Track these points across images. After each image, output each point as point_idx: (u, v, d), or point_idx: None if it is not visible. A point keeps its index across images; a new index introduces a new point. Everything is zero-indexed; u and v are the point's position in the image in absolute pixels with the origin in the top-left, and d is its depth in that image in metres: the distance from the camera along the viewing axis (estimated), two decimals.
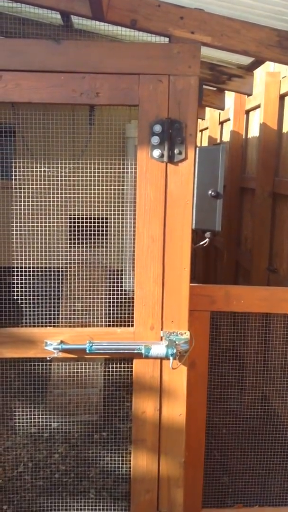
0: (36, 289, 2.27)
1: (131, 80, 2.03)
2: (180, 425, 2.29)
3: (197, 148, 2.09)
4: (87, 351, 2.15)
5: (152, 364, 2.24)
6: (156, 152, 2.07)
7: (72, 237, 2.66)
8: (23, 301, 2.26)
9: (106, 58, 2.01)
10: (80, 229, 2.56)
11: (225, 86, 4.28)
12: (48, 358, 2.18)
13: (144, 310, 2.19)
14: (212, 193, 2.11)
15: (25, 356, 2.22)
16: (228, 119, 5.35)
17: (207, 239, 2.17)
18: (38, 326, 2.24)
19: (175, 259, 2.16)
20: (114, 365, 2.30)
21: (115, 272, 2.75)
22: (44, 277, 2.42)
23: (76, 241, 2.64)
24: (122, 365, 2.28)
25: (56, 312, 2.38)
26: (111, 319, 2.31)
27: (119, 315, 2.26)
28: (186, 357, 2.22)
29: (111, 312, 2.33)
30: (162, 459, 2.31)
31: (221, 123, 6.09)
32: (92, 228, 2.51)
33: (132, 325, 2.21)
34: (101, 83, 2.03)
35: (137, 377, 2.25)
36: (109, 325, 2.27)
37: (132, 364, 2.25)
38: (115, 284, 2.66)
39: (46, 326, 2.25)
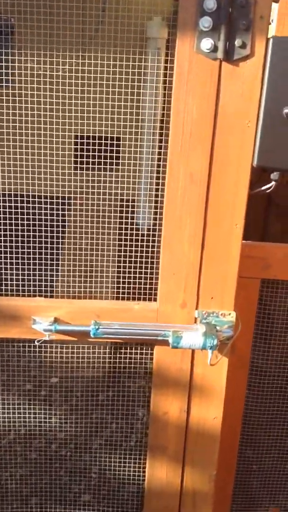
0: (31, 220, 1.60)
1: None
2: (214, 431, 1.71)
3: (271, 39, 1.34)
4: (91, 335, 1.53)
5: (180, 352, 1.62)
6: (206, 43, 1.32)
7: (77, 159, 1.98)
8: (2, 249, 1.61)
9: None
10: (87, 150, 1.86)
11: None
12: (36, 342, 1.56)
13: (173, 281, 1.53)
14: None
15: (4, 336, 1.61)
16: None
17: (273, 182, 1.47)
18: (23, 296, 1.60)
19: (223, 210, 1.47)
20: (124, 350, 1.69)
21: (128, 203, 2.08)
22: (39, 209, 1.74)
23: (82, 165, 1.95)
24: (138, 351, 1.67)
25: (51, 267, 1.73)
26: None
27: (131, 257, 1.62)
28: (229, 346, 1.60)
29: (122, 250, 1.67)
30: (187, 471, 1.76)
31: None
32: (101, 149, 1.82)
33: (155, 299, 1.58)
34: None
35: (158, 368, 1.64)
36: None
37: (152, 350, 1.64)
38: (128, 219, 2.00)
39: (35, 296, 1.61)
